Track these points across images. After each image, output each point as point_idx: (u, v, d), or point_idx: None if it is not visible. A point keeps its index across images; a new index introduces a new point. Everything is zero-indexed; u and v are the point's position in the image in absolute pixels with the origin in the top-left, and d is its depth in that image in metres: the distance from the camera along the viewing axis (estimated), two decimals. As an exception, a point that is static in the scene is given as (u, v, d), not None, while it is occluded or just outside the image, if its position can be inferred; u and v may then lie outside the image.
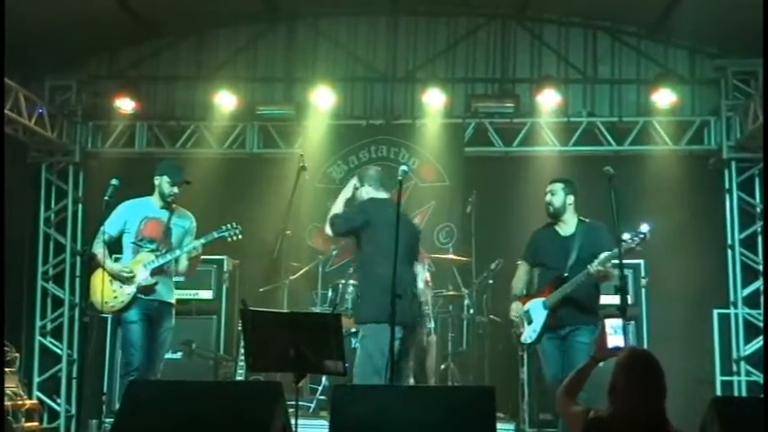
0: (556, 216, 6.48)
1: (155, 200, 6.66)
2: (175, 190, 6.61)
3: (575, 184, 6.52)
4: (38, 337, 9.93)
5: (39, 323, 9.98)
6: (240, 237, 6.65)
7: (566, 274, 6.26)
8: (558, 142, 9.80)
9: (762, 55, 8.51)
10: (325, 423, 4.71)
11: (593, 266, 6.03)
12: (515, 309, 6.57)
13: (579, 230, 6.38)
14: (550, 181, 6.63)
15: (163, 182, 6.60)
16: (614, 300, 5.90)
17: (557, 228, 6.50)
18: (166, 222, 6.60)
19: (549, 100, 9.60)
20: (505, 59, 10.27)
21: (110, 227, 6.45)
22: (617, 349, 4.21)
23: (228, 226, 6.61)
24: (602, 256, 6.03)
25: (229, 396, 4.61)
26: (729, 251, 9.35)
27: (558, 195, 6.46)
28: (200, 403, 4.44)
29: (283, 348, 5.10)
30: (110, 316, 7.57)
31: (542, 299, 6.37)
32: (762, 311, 8.95)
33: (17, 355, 8.38)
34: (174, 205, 6.68)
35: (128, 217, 6.54)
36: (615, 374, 3.72)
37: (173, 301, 6.66)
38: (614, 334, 4.21)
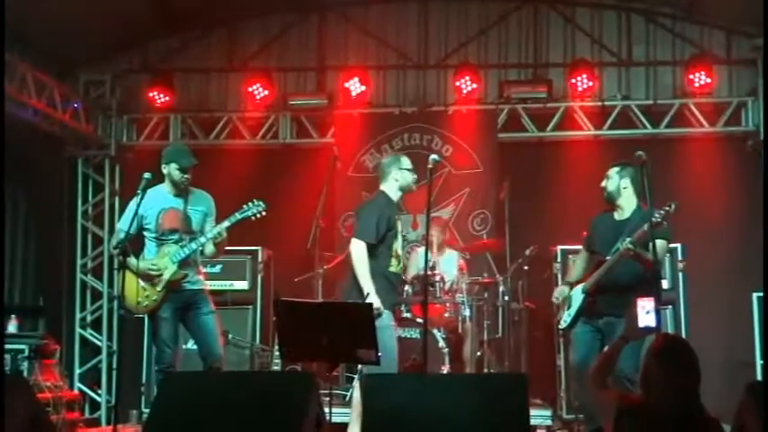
0: (610, 201, 6.32)
1: (167, 188, 6.40)
2: (186, 176, 6.33)
3: (634, 167, 6.15)
4: (78, 330, 10.05)
5: (78, 315, 10.09)
6: (264, 213, 6.33)
7: (607, 258, 6.12)
8: (592, 126, 9.69)
9: (762, 54, 8.39)
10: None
11: (624, 244, 5.91)
12: (557, 292, 6.52)
13: (634, 216, 6.17)
14: (610, 165, 6.43)
15: (171, 169, 6.32)
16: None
17: (614, 213, 6.34)
18: (183, 210, 6.34)
19: (582, 84, 9.51)
20: (538, 44, 10.17)
21: (128, 225, 6.25)
22: (648, 329, 4.16)
23: (250, 204, 6.31)
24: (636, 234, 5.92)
25: (263, 386, 4.65)
26: (768, 233, 9.21)
27: (612, 180, 6.28)
28: (234, 394, 4.47)
29: (316, 338, 5.12)
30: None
31: (583, 284, 6.31)
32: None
33: (57, 347, 8.47)
34: (189, 189, 6.41)
35: (144, 212, 6.30)
36: (647, 361, 3.68)
37: (204, 287, 6.43)
38: (646, 314, 4.15)
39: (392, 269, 6.22)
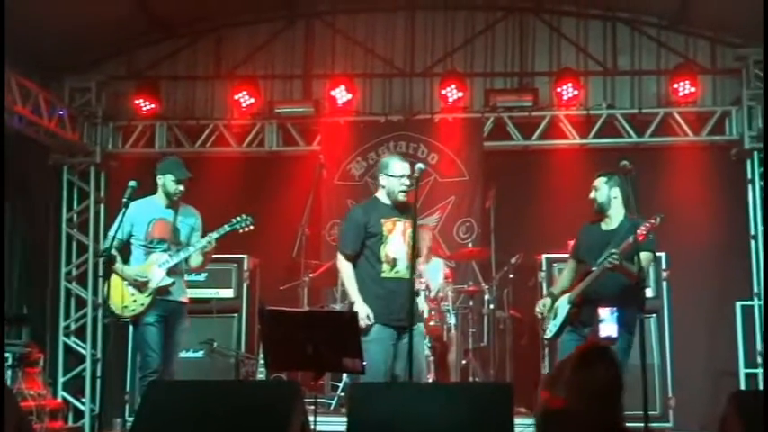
0: (601, 212, 6.29)
1: (159, 199, 6.53)
2: (181, 188, 6.47)
3: (621, 176, 6.11)
4: (62, 338, 9.98)
5: (63, 323, 10.02)
6: (252, 227, 6.52)
7: (593, 269, 6.09)
8: (577, 135, 9.72)
9: (762, 54, 8.43)
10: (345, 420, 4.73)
11: (610, 257, 5.88)
12: (541, 304, 6.47)
13: (622, 226, 6.14)
14: (596, 175, 6.39)
15: (167, 181, 6.45)
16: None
17: (602, 223, 6.33)
18: (173, 222, 6.46)
19: (568, 93, 9.54)
20: (524, 53, 10.20)
21: (117, 232, 6.34)
22: (609, 339, 4.13)
23: (239, 218, 6.49)
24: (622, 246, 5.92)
25: (247, 395, 4.63)
26: (752, 242, 9.25)
27: (600, 191, 6.26)
28: (219, 403, 4.46)
29: (301, 347, 5.12)
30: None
31: (569, 294, 6.29)
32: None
33: (41, 355, 8.43)
34: (179, 203, 6.55)
35: (134, 220, 6.41)
36: (570, 368, 3.63)
37: (186, 300, 6.58)
38: (606, 323, 4.13)
39: (385, 275, 5.94)
